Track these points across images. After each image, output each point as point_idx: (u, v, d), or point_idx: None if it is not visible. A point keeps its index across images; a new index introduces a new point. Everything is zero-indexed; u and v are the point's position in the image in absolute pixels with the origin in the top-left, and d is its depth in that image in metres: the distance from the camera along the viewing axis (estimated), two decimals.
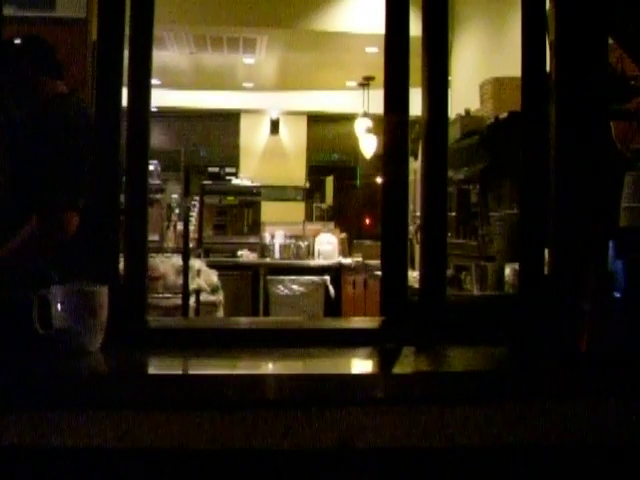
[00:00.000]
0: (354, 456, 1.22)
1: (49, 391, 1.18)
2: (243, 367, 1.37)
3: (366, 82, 8.20)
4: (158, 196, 6.34)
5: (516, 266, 2.53)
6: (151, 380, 1.24)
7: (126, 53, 1.55)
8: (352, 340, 1.49)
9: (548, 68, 1.65)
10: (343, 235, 8.45)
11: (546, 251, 1.63)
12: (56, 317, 1.32)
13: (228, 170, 8.59)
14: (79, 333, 1.33)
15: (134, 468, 1.20)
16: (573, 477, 1.27)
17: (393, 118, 1.61)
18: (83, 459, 1.19)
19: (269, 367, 1.41)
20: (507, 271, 3.43)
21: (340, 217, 9.39)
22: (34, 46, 2.29)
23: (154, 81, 1.61)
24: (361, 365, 1.44)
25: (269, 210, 8.69)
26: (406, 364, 1.41)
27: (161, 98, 7.60)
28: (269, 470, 1.22)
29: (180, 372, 1.36)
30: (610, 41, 1.68)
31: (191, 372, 1.37)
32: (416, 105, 1.63)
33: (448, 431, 1.22)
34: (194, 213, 7.57)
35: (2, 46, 2.10)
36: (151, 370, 1.37)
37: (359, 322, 1.70)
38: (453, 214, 4.33)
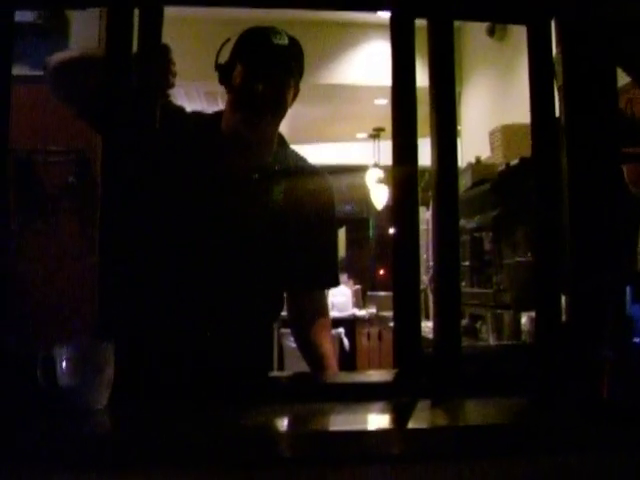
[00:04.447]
0: None
1: (53, 450, 1.14)
2: (256, 425, 1.31)
3: (376, 133, 8.25)
4: None
5: (532, 314, 2.49)
6: (158, 439, 1.20)
7: None
8: (366, 394, 1.45)
9: (557, 113, 1.64)
10: (357, 287, 8.40)
11: (562, 298, 1.59)
12: (61, 374, 1.29)
13: None
14: (84, 391, 1.30)
15: None
16: None
17: (402, 168, 1.59)
18: None
19: (282, 425, 1.36)
20: (523, 320, 3.37)
21: (353, 269, 9.36)
22: None
23: None
24: (376, 420, 1.39)
25: None
26: (422, 418, 1.36)
27: None
28: None
29: (190, 429, 1.31)
30: (619, 84, 1.67)
31: (195, 430, 1.32)
32: (425, 155, 1.62)
33: None
34: None
35: None
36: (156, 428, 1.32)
37: (373, 376, 1.65)
38: (467, 263, 4.28)
